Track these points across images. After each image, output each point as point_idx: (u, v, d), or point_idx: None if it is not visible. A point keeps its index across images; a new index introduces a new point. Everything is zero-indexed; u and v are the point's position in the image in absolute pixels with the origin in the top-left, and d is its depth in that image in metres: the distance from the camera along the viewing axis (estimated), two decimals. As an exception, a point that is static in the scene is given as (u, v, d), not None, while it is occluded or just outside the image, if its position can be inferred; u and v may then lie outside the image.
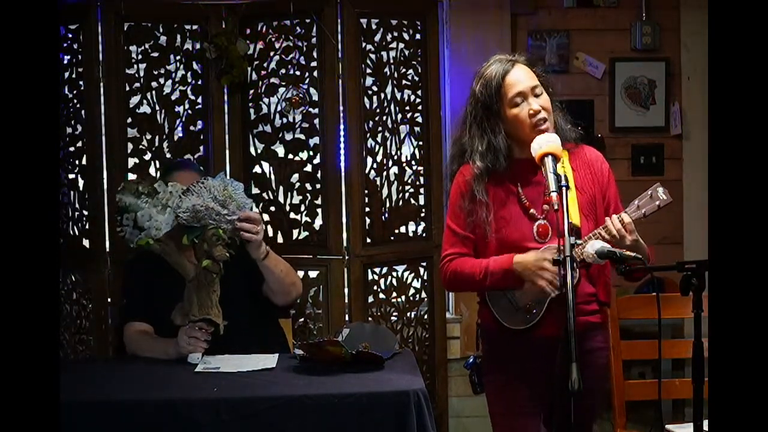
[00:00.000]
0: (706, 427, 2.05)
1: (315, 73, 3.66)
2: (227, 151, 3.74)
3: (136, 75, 3.65)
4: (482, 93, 2.56)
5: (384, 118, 3.72)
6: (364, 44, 3.66)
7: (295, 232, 3.71)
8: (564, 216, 2.28)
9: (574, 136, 2.64)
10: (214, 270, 2.96)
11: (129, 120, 3.64)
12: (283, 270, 3.14)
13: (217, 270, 2.97)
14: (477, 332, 2.73)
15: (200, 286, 2.98)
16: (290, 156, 3.71)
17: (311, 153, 3.68)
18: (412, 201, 3.79)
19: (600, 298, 2.60)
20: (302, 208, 3.69)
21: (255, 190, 3.75)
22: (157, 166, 3.66)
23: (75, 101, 3.68)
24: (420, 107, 3.77)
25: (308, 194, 3.68)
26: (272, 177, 3.72)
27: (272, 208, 3.73)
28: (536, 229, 2.56)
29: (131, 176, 3.62)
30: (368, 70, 3.68)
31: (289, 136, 3.70)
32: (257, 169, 3.74)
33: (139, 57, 3.65)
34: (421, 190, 3.79)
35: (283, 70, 3.71)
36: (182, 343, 2.97)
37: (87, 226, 3.66)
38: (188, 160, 3.59)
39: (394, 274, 3.77)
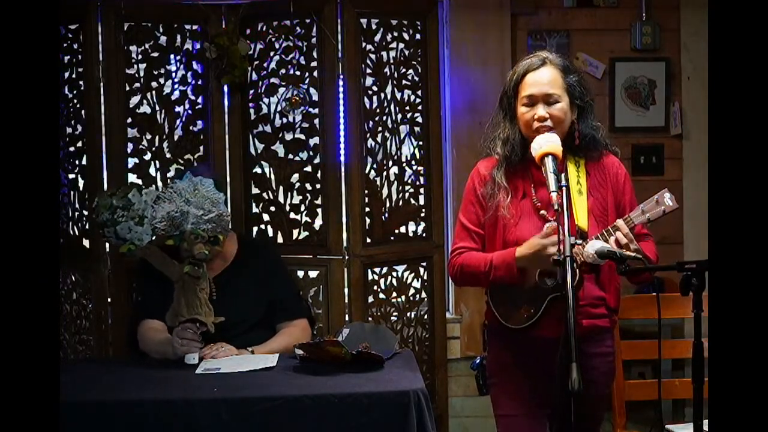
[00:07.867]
0: (706, 427, 2.05)
1: (315, 73, 3.65)
2: (227, 151, 3.74)
3: (136, 75, 3.64)
4: (507, 83, 2.61)
5: (384, 118, 3.71)
6: (364, 44, 3.65)
7: (295, 232, 3.70)
8: (564, 214, 2.28)
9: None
10: (195, 274, 2.99)
11: (129, 120, 3.64)
12: (282, 348, 3.14)
13: (199, 274, 2.99)
14: (483, 333, 2.73)
15: (186, 286, 3.00)
16: (290, 156, 3.70)
17: (311, 153, 3.68)
18: (412, 201, 3.78)
19: (609, 303, 2.60)
20: (302, 208, 3.69)
21: (255, 190, 3.76)
22: (157, 166, 3.66)
23: (75, 101, 3.67)
24: (420, 107, 3.77)
25: (308, 194, 3.68)
26: (272, 177, 3.72)
27: (272, 208, 3.73)
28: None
29: (131, 176, 3.62)
30: (368, 70, 3.68)
31: (289, 136, 3.70)
32: (257, 169, 3.74)
33: (139, 57, 3.64)
34: (421, 190, 3.79)
35: (283, 70, 3.70)
36: (175, 345, 2.98)
37: (87, 226, 3.65)
38: (202, 167, 3.49)
39: (394, 274, 3.77)
